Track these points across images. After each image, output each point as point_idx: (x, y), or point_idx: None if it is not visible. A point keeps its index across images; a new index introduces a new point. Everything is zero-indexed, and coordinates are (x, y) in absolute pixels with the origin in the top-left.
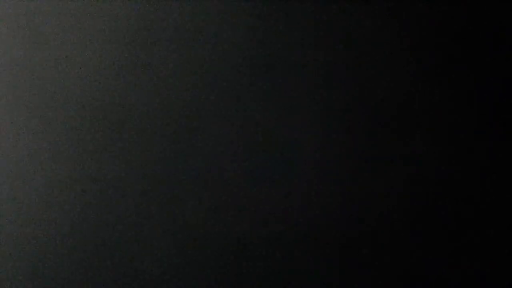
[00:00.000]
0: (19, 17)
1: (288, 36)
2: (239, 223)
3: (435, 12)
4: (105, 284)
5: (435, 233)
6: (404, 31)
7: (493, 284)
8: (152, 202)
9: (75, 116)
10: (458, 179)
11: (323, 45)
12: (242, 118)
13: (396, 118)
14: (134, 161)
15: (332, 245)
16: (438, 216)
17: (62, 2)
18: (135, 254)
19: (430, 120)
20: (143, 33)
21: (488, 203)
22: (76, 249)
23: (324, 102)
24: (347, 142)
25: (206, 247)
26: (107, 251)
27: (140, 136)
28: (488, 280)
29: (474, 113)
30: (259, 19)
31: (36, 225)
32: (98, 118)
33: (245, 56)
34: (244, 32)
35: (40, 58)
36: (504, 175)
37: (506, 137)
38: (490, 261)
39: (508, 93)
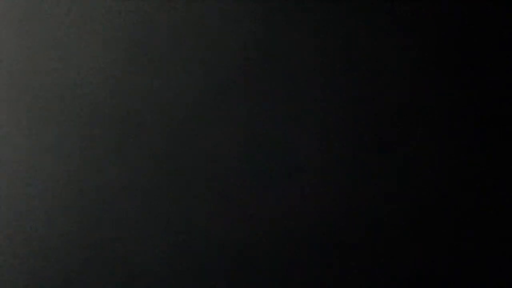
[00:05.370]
0: (19, 17)
1: (288, 36)
2: (239, 224)
3: (435, 12)
4: (105, 284)
5: (434, 234)
6: (404, 31)
7: (493, 284)
8: (152, 202)
9: (75, 116)
10: (458, 180)
11: (323, 45)
12: (242, 118)
13: (396, 118)
14: (134, 161)
15: (331, 246)
16: (437, 217)
17: (63, 2)
18: (135, 254)
19: (430, 121)
20: (143, 33)
21: (488, 203)
22: (76, 249)
23: (324, 102)
24: (347, 142)
25: (206, 248)
26: (107, 251)
27: (140, 136)
28: (488, 280)
29: (474, 113)
30: (259, 19)
31: (36, 224)
32: (98, 118)
33: (245, 56)
34: (244, 32)
35: (40, 58)
36: (504, 175)
37: (506, 137)
38: (490, 261)
39: (508, 93)
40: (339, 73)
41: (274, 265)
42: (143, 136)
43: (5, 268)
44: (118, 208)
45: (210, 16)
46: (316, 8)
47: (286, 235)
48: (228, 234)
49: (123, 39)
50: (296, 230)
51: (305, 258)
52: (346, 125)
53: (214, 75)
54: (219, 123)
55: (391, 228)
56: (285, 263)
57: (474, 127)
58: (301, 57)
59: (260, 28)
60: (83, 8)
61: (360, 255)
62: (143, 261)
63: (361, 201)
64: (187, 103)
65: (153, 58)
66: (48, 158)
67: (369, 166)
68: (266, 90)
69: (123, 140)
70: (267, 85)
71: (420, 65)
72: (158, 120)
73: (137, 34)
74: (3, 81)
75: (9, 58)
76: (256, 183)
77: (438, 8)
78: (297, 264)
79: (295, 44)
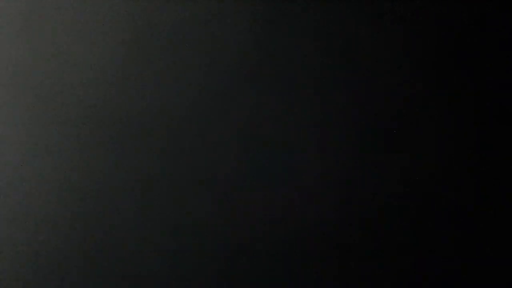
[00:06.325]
0: (20, 17)
1: (288, 36)
2: (239, 224)
3: (435, 12)
4: (105, 284)
5: (434, 234)
6: (404, 32)
7: (493, 284)
8: (152, 202)
9: (74, 116)
10: (458, 180)
11: (323, 45)
12: (242, 118)
13: (396, 118)
14: (134, 161)
15: (331, 246)
16: (436, 217)
17: (62, 2)
18: (135, 254)
19: (430, 121)
20: (143, 33)
21: (487, 203)
22: (76, 249)
23: (324, 102)
24: (347, 142)
25: (206, 248)
26: (107, 251)
27: (140, 136)
28: (488, 280)
29: (474, 113)
30: (259, 19)
31: (36, 225)
32: (98, 118)
33: (245, 56)
34: (244, 32)
35: (40, 58)
36: (504, 175)
37: (506, 137)
38: (490, 261)
39: (508, 93)
40: (339, 73)
41: (274, 265)
42: (143, 136)
43: (5, 268)
44: (118, 208)
45: (210, 16)
46: (316, 8)
47: (285, 235)
48: (228, 234)
49: (123, 39)
50: (295, 230)
51: (305, 258)
52: (346, 125)
53: (214, 75)
54: (219, 123)
55: (390, 229)
56: (284, 263)
57: (474, 127)
58: (301, 57)
59: (260, 28)
60: (83, 8)
61: (360, 255)
62: (143, 261)
63: (361, 201)
64: (187, 103)
65: (153, 58)
66: (48, 158)
67: (369, 166)
68: (266, 90)
69: (123, 140)
70: (267, 85)
71: (420, 65)
72: (158, 120)
73: (137, 34)
74: (3, 81)
75: (9, 58)
76: (256, 183)
77: (438, 8)
78: (297, 264)
79: (295, 44)
